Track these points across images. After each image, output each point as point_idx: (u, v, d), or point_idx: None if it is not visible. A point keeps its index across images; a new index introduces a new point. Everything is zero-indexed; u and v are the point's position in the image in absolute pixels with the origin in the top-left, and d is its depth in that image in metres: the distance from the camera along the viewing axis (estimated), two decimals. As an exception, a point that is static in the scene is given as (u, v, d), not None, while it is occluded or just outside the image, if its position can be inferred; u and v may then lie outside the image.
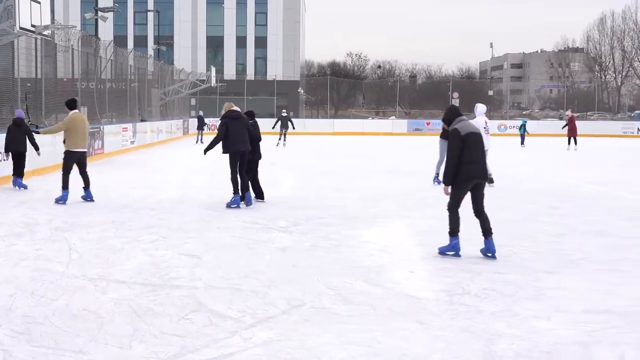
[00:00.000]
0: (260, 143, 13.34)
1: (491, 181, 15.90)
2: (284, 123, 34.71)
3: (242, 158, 12.61)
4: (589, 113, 69.41)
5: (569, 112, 35.84)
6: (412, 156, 27.27)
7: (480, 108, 16.23)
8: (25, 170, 15.45)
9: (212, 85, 49.22)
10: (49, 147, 17.72)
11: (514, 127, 48.54)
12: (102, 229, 10.28)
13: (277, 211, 12.14)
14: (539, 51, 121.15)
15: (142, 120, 32.84)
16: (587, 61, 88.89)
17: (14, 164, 15.21)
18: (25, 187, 14.96)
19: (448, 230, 8.52)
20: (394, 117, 63.74)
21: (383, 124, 54.48)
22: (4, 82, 19.01)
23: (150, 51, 54.58)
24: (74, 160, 13.23)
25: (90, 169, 13.65)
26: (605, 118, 67.50)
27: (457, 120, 8.46)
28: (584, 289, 7.10)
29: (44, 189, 14.84)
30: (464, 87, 72.44)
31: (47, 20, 16.49)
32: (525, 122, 38.87)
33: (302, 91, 67.32)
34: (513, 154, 29.19)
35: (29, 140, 15.14)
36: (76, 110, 13.41)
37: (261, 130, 13.42)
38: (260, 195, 13.34)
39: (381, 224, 10.97)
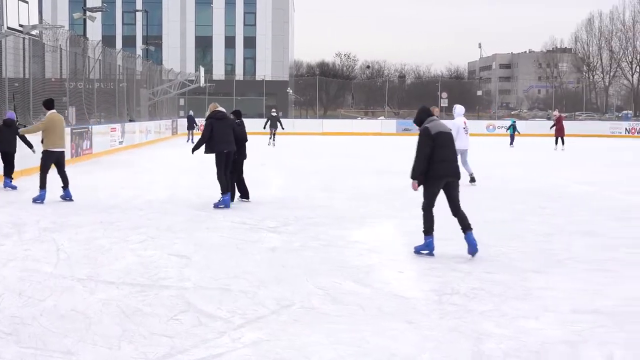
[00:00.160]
0: (247, 143, 13.34)
1: (473, 180, 15.95)
2: (274, 123, 34.76)
3: (227, 158, 12.61)
4: (577, 113, 69.67)
5: (556, 112, 35.98)
6: (401, 156, 27.18)
7: (459, 109, 16.49)
8: (14, 170, 15.38)
9: (201, 85, 49.16)
10: (37, 147, 17.57)
11: (502, 127, 48.72)
12: (91, 229, 10.25)
13: (266, 211, 12.13)
14: (528, 51, 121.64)
15: (130, 121, 32.76)
16: (575, 61, 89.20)
17: (4, 165, 15.18)
18: (14, 187, 14.92)
19: (422, 229, 8.61)
20: (382, 117, 63.81)
21: (372, 124, 54.50)
22: (-9, 82, 18.95)
23: (139, 51, 54.52)
24: (53, 159, 13.23)
25: (78, 169, 13.64)
26: (593, 118, 67.74)
27: (429, 120, 8.63)
28: (572, 288, 7.13)
29: (33, 190, 14.75)
30: (453, 87, 72.64)
31: (35, 20, 16.46)
32: (515, 122, 39.04)
33: (291, 91, 67.33)
34: (501, 154, 29.28)
35: (22, 140, 15.11)
36: (54, 110, 13.45)
37: (250, 131, 13.41)
38: (245, 194, 13.33)
39: (370, 224, 10.99)
